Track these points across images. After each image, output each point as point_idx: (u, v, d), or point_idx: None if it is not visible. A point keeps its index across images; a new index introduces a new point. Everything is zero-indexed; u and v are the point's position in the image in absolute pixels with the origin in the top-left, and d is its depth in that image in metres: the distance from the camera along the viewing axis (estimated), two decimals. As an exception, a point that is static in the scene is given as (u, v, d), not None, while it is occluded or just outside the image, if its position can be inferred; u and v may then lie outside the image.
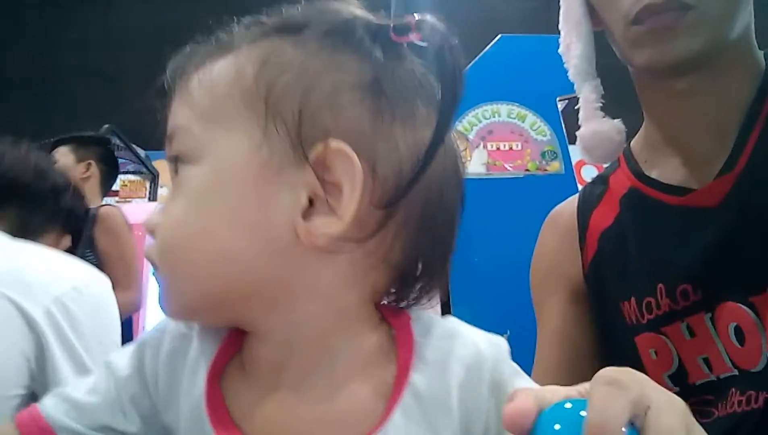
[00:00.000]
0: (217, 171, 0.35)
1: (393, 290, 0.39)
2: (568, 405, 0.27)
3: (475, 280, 2.06)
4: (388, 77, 0.36)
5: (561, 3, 0.67)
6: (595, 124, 0.65)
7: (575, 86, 0.67)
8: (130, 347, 0.41)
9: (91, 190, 1.88)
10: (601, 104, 0.65)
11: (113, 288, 0.85)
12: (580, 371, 0.65)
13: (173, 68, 0.39)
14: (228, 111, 0.35)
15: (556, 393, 0.28)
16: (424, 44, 0.35)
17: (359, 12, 0.37)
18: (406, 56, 0.37)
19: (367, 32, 0.36)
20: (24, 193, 0.93)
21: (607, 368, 0.27)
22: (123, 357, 0.41)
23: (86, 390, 0.41)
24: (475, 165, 2.31)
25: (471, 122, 2.42)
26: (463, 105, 2.42)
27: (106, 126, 2.05)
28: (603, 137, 0.65)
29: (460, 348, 0.36)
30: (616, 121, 0.65)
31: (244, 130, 0.34)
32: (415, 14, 0.35)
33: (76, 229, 1.06)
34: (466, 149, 2.36)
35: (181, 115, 0.37)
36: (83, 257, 1.69)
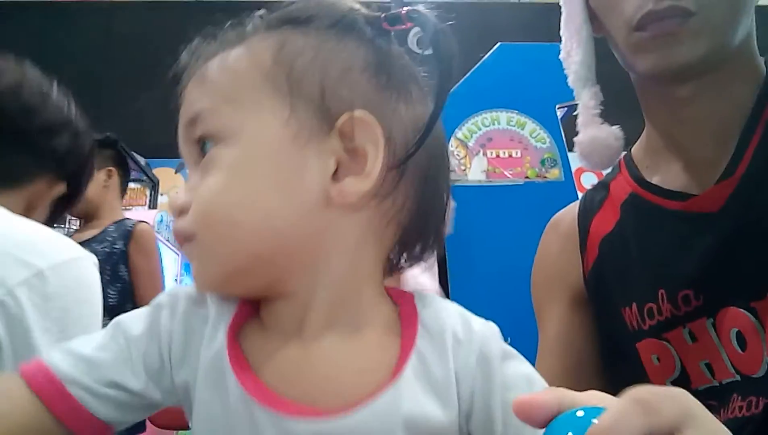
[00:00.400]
0: (252, 146, 0.38)
1: (397, 249, 0.43)
2: (580, 413, 0.27)
3: (476, 287, 2.07)
4: (388, 61, 0.41)
5: (562, 9, 0.67)
6: (594, 131, 0.65)
7: (575, 92, 0.67)
8: (143, 309, 0.42)
9: (113, 198, 1.86)
10: (600, 111, 0.65)
11: (141, 305, 0.77)
12: (582, 378, 0.65)
13: (186, 58, 0.42)
14: (253, 92, 0.39)
15: (590, 398, 0.28)
16: (416, 31, 0.40)
17: (355, 5, 0.42)
18: (395, 43, 0.43)
19: (366, 22, 0.41)
20: (6, 130, 0.77)
21: (666, 387, 0.26)
22: (135, 318, 0.42)
23: (95, 346, 0.41)
24: (475, 172, 2.31)
25: (470, 130, 2.42)
26: (463, 113, 2.43)
27: (107, 134, 2.04)
28: (601, 143, 0.65)
29: (455, 321, 0.40)
30: (614, 127, 0.65)
31: (271, 109, 0.38)
32: (404, 7, 0.40)
33: (75, 174, 0.89)
34: (465, 157, 2.37)
35: (204, 100, 0.40)
36: (117, 272, 1.67)
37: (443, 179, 0.44)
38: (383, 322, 0.40)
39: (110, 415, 0.40)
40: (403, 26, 0.40)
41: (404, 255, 0.44)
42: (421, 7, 0.40)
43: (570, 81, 0.67)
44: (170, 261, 2.88)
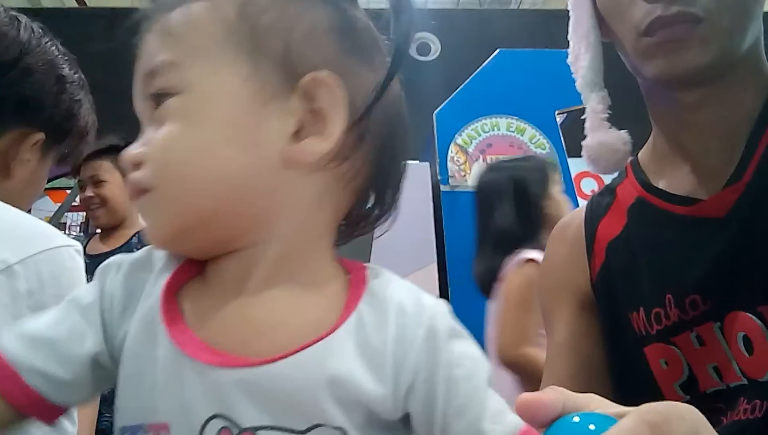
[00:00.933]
0: (209, 99, 0.38)
1: (353, 214, 0.44)
2: (576, 419, 0.26)
3: (475, 291, 2.06)
4: (353, 26, 0.42)
5: (570, 13, 0.67)
6: (601, 135, 0.65)
7: (582, 96, 0.67)
8: (95, 277, 0.42)
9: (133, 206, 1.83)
10: (607, 115, 0.66)
11: None
12: (590, 382, 0.65)
13: (146, 11, 0.41)
14: (214, 47, 0.39)
15: (589, 402, 0.27)
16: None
17: None
18: (361, 9, 0.43)
19: None
20: None
21: (673, 404, 0.26)
22: (86, 288, 0.42)
23: (49, 323, 0.40)
24: (475, 178, 2.32)
25: (470, 135, 2.43)
26: (462, 119, 2.44)
27: (117, 142, 2.04)
28: (609, 148, 0.65)
29: (404, 294, 0.40)
30: (622, 132, 0.65)
31: (232, 65, 0.38)
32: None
33: (50, 119, 0.76)
34: (465, 162, 2.38)
35: (164, 52, 0.39)
36: None
37: (401, 148, 0.45)
38: (329, 285, 0.41)
39: (65, 397, 0.39)
40: None
41: (360, 221, 0.45)
42: None
43: (578, 85, 0.68)
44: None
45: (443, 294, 2.13)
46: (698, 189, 0.61)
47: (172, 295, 0.39)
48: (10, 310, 0.59)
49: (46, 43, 0.77)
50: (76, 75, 0.82)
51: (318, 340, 0.37)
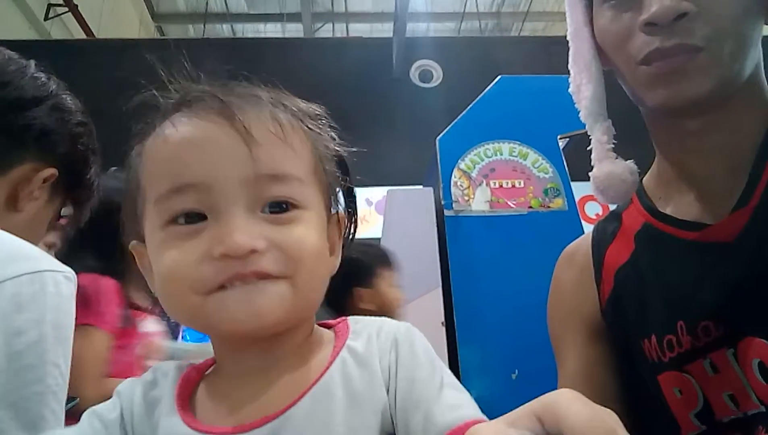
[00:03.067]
0: (320, 220, 0.47)
1: None
2: None
3: (480, 316, 2.05)
4: None
5: (570, 44, 0.68)
6: (609, 166, 0.65)
7: (587, 127, 0.67)
8: (112, 398, 0.48)
9: None
10: (613, 145, 0.65)
11: None
12: None
13: (268, 111, 0.46)
14: (314, 175, 0.48)
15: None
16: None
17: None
18: None
19: None
20: None
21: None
22: (107, 405, 0.47)
23: None
24: (479, 203, 2.32)
25: (473, 160, 2.44)
26: (465, 144, 2.45)
27: (113, 169, 2.06)
28: (617, 178, 0.64)
29: (378, 323, 0.49)
30: (628, 162, 0.65)
31: (318, 194, 0.48)
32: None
33: (64, 157, 0.78)
34: (469, 187, 2.38)
35: (293, 166, 0.45)
36: None
37: None
38: (323, 341, 0.49)
39: None
40: None
41: None
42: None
43: (581, 116, 0.68)
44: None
45: (449, 319, 2.11)
46: (705, 214, 0.60)
47: (186, 397, 0.46)
48: None
49: (70, 98, 0.82)
50: (95, 133, 0.86)
51: (321, 376, 0.44)
